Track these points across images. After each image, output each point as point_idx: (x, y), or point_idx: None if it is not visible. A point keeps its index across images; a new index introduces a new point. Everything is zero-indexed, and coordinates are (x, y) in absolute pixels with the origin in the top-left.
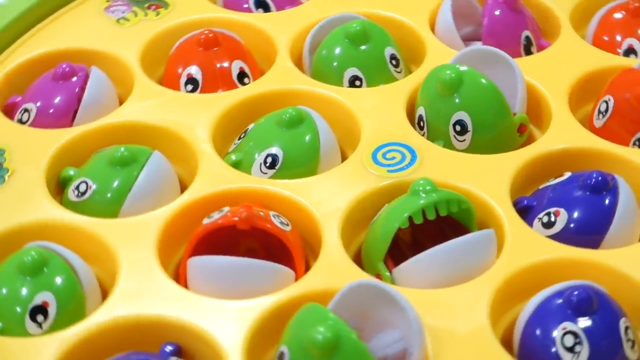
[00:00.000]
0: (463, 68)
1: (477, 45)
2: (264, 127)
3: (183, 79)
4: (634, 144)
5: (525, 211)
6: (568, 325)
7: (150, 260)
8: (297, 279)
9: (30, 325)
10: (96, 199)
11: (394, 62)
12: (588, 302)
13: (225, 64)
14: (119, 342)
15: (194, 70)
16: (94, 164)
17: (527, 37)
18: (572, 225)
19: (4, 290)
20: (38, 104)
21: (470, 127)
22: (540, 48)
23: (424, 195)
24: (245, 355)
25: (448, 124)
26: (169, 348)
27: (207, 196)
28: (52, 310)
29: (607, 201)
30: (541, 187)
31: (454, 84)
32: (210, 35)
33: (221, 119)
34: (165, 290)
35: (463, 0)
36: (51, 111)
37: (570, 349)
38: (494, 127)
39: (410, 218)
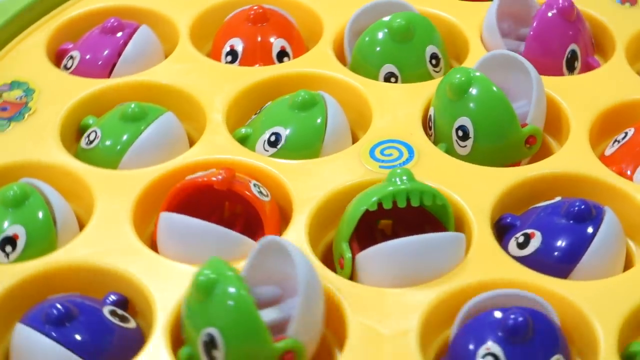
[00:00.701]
0: (476, 73)
1: (501, 50)
2: (277, 106)
3: (225, 50)
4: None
5: (507, 228)
6: (492, 346)
7: (124, 213)
8: None
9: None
10: (100, 149)
11: (433, 61)
12: (522, 329)
13: (268, 40)
14: (71, 284)
15: (236, 43)
16: (108, 116)
17: (573, 51)
18: (543, 249)
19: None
20: (82, 53)
21: (472, 134)
22: (586, 65)
23: (398, 182)
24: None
25: (452, 128)
26: (112, 297)
27: (199, 162)
28: (20, 243)
29: (586, 231)
30: (531, 207)
31: (462, 88)
32: (260, 10)
33: (241, 93)
34: (125, 244)
35: (519, 0)
36: (91, 61)
37: None
38: (497, 136)
39: (380, 204)
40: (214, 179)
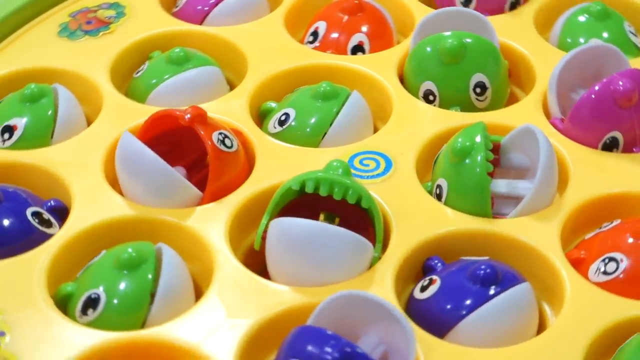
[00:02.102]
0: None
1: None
2: (302, 92)
3: (311, 29)
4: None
5: (429, 270)
6: None
7: None
8: (202, 198)
9: None
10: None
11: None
12: None
13: (349, 33)
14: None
15: (321, 26)
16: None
17: (614, 138)
18: (435, 298)
19: (1, 109)
20: None
21: (488, 84)
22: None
23: (330, 172)
24: None
25: (466, 89)
26: (51, 202)
27: None
28: (16, 134)
29: (481, 294)
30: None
31: (460, 50)
32: (355, 2)
33: (283, 72)
34: None
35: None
36: (191, 5)
37: None
38: (501, 77)
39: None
40: (183, 115)
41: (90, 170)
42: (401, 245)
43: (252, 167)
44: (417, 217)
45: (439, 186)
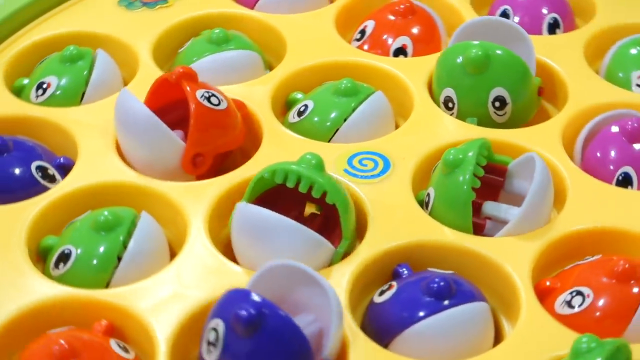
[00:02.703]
0: (497, 51)
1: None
2: (326, 87)
3: (360, 27)
4: None
5: (396, 276)
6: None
7: None
8: (185, 149)
9: (33, 93)
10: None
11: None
12: None
13: (392, 35)
14: None
15: (370, 25)
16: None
17: (626, 174)
18: (389, 303)
19: (42, 67)
20: None
21: (509, 100)
22: None
23: (303, 166)
24: None
25: (485, 102)
26: (61, 160)
27: None
28: (49, 91)
29: (430, 306)
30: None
31: (484, 62)
32: (406, 5)
33: (307, 68)
34: None
35: None
36: None
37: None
38: (527, 94)
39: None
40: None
41: (102, 134)
42: (369, 247)
43: (257, 148)
44: (394, 223)
45: (428, 195)
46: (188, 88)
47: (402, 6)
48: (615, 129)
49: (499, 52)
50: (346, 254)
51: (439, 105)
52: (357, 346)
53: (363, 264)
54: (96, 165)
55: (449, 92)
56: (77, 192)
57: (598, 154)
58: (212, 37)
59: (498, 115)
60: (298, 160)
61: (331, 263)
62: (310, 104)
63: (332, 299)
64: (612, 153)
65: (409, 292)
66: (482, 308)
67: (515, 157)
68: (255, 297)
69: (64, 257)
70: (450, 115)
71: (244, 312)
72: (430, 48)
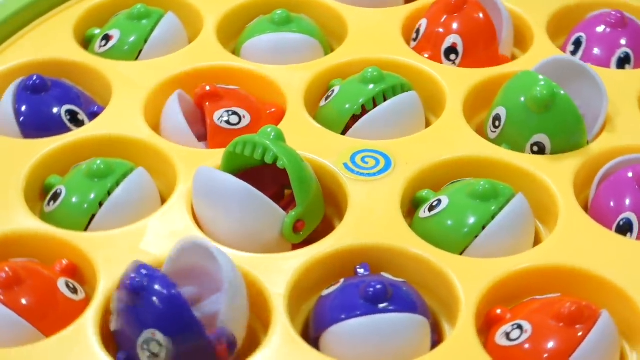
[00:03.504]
0: (560, 91)
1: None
2: (356, 77)
3: (416, 27)
4: None
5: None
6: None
7: None
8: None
9: (97, 44)
10: None
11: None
12: None
13: (444, 33)
14: None
15: (423, 24)
16: None
17: (628, 220)
18: (328, 297)
19: (112, 20)
20: None
21: (548, 151)
22: None
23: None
24: None
25: (527, 139)
26: (95, 108)
27: None
28: (110, 43)
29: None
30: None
31: (546, 104)
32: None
33: (352, 62)
34: None
35: None
36: None
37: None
38: (568, 147)
39: None
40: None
41: (135, 90)
42: (333, 241)
43: None
44: (368, 223)
45: (439, 200)
46: (207, 108)
47: (447, 1)
48: (629, 173)
49: (558, 97)
50: (305, 239)
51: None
52: (276, 336)
53: (318, 257)
54: (118, 119)
55: (500, 110)
56: (90, 139)
57: (606, 196)
58: (274, 18)
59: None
60: (259, 133)
61: (282, 232)
62: (337, 89)
63: (224, 268)
64: (619, 197)
65: (347, 290)
66: (417, 321)
67: (522, 182)
68: (143, 270)
69: (55, 196)
70: (493, 132)
71: (127, 281)
72: (484, 45)
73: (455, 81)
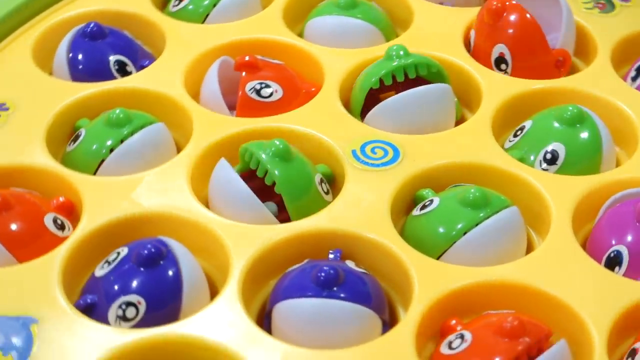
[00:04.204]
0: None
1: None
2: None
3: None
4: None
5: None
6: None
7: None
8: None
9: (172, 3)
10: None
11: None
12: None
13: (487, 42)
14: None
15: (472, 35)
16: None
17: (618, 252)
18: (289, 274)
19: None
20: None
21: (560, 161)
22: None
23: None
24: None
25: (544, 145)
26: (146, 63)
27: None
28: (182, 4)
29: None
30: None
31: (573, 119)
32: (497, 5)
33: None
34: None
35: None
36: None
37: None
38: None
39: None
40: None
41: (186, 51)
42: (309, 223)
43: None
44: (349, 211)
45: (431, 201)
46: (242, 77)
47: (494, 4)
48: (632, 207)
49: (588, 120)
50: None
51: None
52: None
53: (295, 233)
54: (157, 76)
55: (527, 123)
56: (122, 90)
57: (604, 226)
58: (340, 0)
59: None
60: (268, 144)
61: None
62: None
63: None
64: (616, 229)
65: (305, 271)
66: (365, 314)
67: (523, 194)
68: (161, 246)
69: (76, 138)
70: (510, 142)
71: (146, 251)
72: (532, 53)
73: (495, 88)
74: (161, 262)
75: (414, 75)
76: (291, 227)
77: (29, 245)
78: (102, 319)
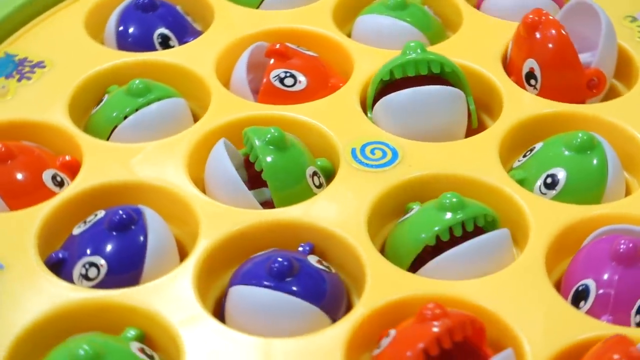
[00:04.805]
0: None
1: None
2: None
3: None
4: None
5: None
6: None
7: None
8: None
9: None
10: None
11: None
12: None
13: (520, 54)
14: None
15: (510, 46)
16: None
17: (586, 287)
18: (249, 261)
19: None
20: None
21: (559, 187)
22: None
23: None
24: None
25: (546, 169)
26: (190, 39)
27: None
28: None
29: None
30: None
31: (582, 145)
32: (534, 19)
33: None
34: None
35: None
36: None
37: None
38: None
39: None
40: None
41: (227, 33)
42: (285, 212)
43: None
44: (329, 206)
45: (412, 208)
46: (269, 65)
47: (530, 17)
48: (608, 244)
49: (598, 148)
50: None
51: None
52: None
53: (266, 221)
54: (192, 53)
55: (538, 144)
56: (153, 62)
57: (579, 259)
58: (389, 2)
59: (541, 192)
60: (265, 130)
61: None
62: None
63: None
64: (588, 264)
65: (265, 260)
66: (312, 313)
67: (508, 213)
68: (133, 214)
69: (99, 103)
70: (520, 161)
71: (117, 216)
72: (559, 70)
73: (515, 104)
74: (132, 229)
75: (426, 72)
76: (265, 215)
77: (23, 196)
78: (69, 275)
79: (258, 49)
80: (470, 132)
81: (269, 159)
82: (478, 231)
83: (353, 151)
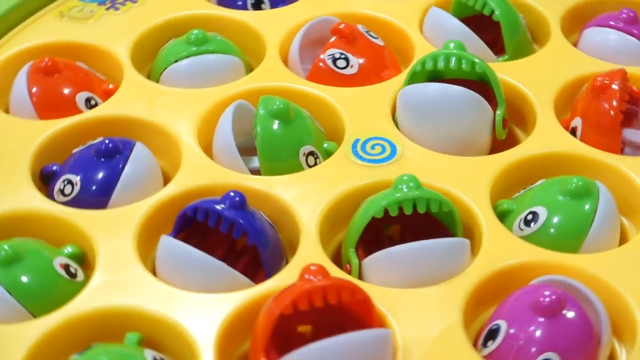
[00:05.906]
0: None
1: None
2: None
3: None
4: None
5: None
6: None
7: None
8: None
9: None
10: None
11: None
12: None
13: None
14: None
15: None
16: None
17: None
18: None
19: None
20: None
21: (538, 225)
22: None
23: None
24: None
25: (530, 206)
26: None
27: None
28: None
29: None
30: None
31: (578, 191)
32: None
33: None
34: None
35: None
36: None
37: None
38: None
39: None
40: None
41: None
42: (241, 180)
43: None
44: (307, 189)
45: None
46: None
47: (598, 80)
48: (533, 292)
49: (593, 195)
50: None
51: None
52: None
53: (225, 184)
54: (269, 20)
55: (539, 182)
56: (229, 19)
57: (507, 299)
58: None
59: (519, 228)
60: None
61: None
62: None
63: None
64: (510, 305)
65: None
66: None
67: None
68: (119, 144)
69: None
70: (518, 193)
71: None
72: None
73: (542, 136)
74: (116, 157)
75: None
76: (229, 177)
77: (52, 109)
78: (53, 187)
79: (324, 23)
80: (496, 143)
81: (262, 128)
82: (436, 230)
83: (356, 141)
